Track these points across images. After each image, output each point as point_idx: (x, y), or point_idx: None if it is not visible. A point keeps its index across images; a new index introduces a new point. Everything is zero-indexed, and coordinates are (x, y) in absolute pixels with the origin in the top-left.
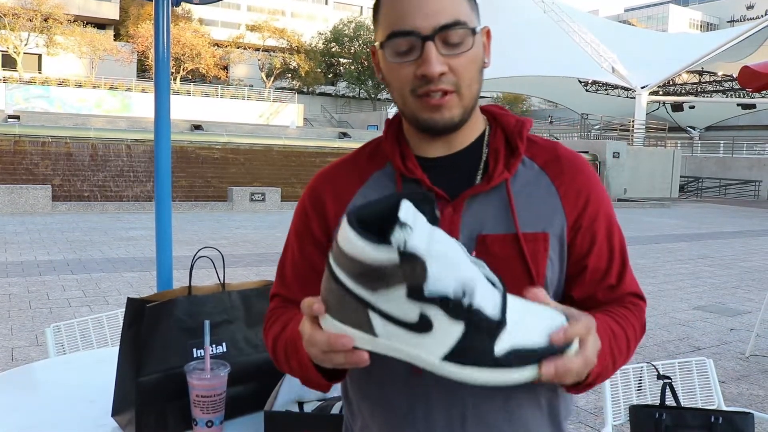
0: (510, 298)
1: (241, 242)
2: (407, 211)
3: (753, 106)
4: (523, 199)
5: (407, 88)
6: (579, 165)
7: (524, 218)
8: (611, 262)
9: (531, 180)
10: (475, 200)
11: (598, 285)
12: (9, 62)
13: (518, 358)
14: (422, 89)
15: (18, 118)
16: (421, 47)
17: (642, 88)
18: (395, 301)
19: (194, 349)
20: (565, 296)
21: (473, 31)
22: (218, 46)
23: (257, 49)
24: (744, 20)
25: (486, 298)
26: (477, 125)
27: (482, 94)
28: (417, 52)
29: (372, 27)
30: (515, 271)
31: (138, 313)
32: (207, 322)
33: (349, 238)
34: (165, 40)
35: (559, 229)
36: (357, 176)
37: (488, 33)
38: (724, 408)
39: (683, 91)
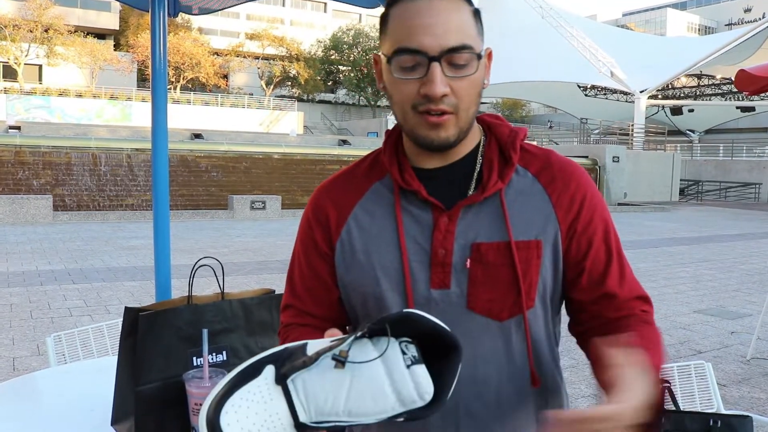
0: None
1: (242, 250)
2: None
3: (752, 108)
4: (517, 208)
5: (408, 104)
6: (571, 172)
7: (517, 226)
8: (609, 265)
9: (524, 188)
10: (470, 210)
11: (597, 290)
12: (10, 73)
13: None
14: (423, 107)
15: (19, 128)
16: (427, 66)
17: (641, 92)
18: None
19: (194, 358)
20: (565, 299)
21: (478, 56)
22: (218, 55)
23: (257, 58)
24: (741, 23)
25: None
26: (473, 136)
27: (482, 100)
28: (422, 70)
29: (370, 34)
30: (507, 277)
31: (134, 321)
32: (205, 331)
33: None
34: (161, 51)
35: (552, 236)
36: (356, 188)
37: (490, 54)
38: (723, 411)
39: (682, 95)
